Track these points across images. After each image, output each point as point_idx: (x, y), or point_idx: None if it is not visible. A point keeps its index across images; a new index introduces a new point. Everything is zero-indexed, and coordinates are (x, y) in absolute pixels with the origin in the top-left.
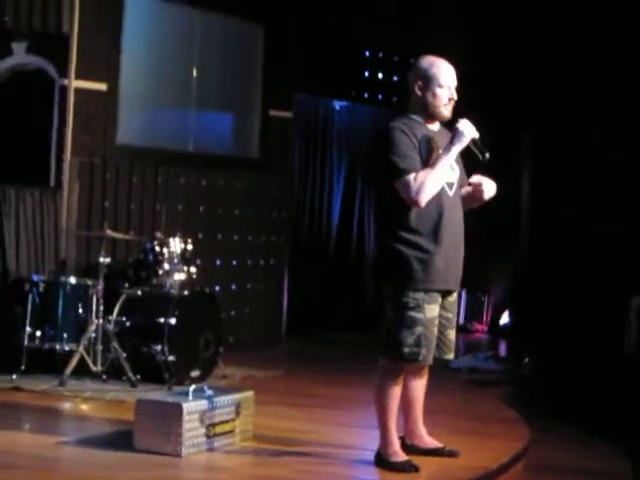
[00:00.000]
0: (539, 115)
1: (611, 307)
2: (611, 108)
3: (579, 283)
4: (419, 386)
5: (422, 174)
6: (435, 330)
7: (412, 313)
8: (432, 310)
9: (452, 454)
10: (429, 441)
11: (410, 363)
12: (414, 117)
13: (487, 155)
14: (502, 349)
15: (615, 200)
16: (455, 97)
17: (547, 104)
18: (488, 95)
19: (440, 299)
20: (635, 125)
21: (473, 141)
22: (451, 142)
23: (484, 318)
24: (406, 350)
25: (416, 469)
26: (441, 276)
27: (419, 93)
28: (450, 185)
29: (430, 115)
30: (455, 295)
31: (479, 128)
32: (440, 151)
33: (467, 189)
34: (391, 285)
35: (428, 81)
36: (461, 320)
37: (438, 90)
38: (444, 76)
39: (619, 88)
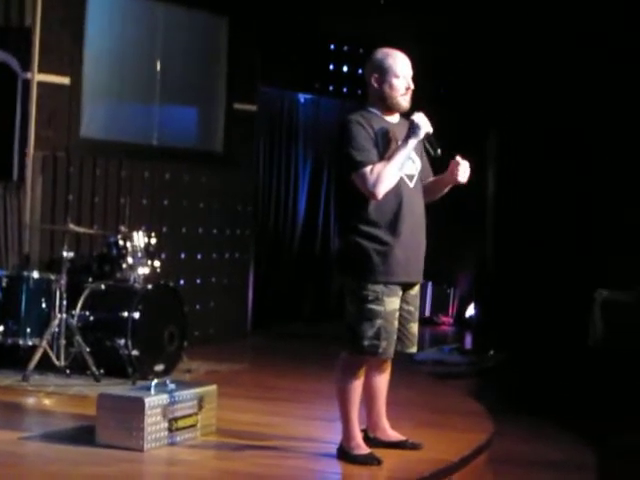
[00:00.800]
0: (506, 111)
1: (576, 300)
2: (576, 104)
3: (545, 276)
4: (382, 379)
5: (379, 166)
6: (395, 323)
7: (372, 306)
8: (392, 303)
9: (414, 447)
10: (392, 434)
11: (370, 356)
12: (372, 110)
13: (439, 151)
14: (468, 341)
15: (580, 194)
16: (412, 86)
17: (514, 100)
18: (457, 90)
19: (401, 292)
20: (599, 121)
21: (427, 136)
22: (407, 135)
23: (450, 310)
24: (366, 343)
25: (378, 462)
26: (401, 268)
27: (376, 85)
28: (410, 177)
29: (388, 107)
30: (417, 288)
31: (447, 122)
32: (399, 143)
33: (439, 176)
34: (351, 278)
35: (384, 73)
36: (427, 312)
37: (394, 81)
38: (400, 66)
39: (584, 85)
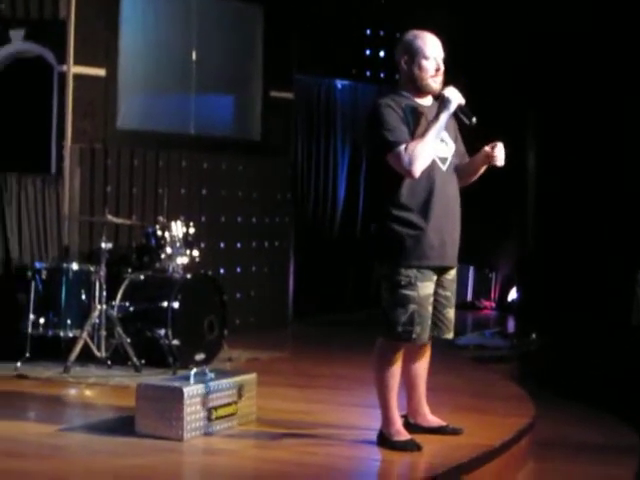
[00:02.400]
0: (545, 91)
1: (618, 280)
2: (614, 83)
3: (586, 258)
4: (421, 364)
5: (413, 144)
6: (430, 308)
7: (405, 291)
8: (426, 288)
9: (455, 432)
10: (432, 419)
11: (404, 342)
12: (404, 93)
13: (474, 120)
14: (510, 325)
15: (621, 174)
16: (442, 68)
17: (552, 80)
18: (494, 72)
19: (435, 277)
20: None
21: (460, 107)
22: (438, 110)
23: (492, 294)
24: (400, 329)
25: (418, 448)
26: (435, 252)
27: (405, 67)
28: (443, 160)
29: (419, 89)
30: (453, 273)
31: (484, 103)
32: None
33: (473, 158)
34: (384, 264)
35: (413, 54)
36: (469, 297)
37: (424, 62)
38: (429, 47)
39: (622, 62)
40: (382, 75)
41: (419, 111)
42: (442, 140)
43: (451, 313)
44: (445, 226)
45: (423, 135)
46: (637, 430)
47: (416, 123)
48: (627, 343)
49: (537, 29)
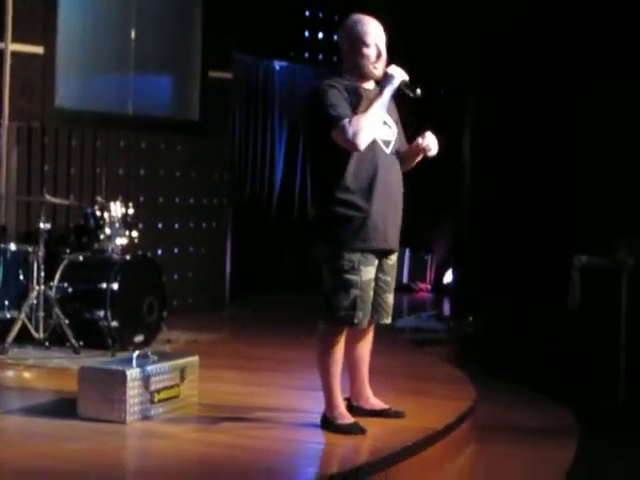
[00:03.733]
0: (482, 78)
1: (554, 264)
2: (552, 69)
3: (522, 242)
4: (363, 348)
5: (356, 117)
6: (371, 293)
7: (348, 276)
8: (368, 272)
9: (398, 415)
10: (375, 402)
11: (346, 326)
12: (346, 76)
13: (418, 91)
14: (446, 308)
15: (557, 160)
16: (384, 54)
17: (490, 67)
18: (431, 57)
19: (376, 261)
20: (578, 83)
21: (404, 83)
22: (382, 86)
23: (427, 277)
24: (342, 313)
25: (362, 431)
26: (379, 234)
27: (347, 53)
28: (386, 143)
29: (361, 75)
30: (394, 258)
31: (422, 89)
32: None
33: (409, 147)
34: (326, 247)
35: (354, 40)
36: (404, 279)
37: (364, 49)
38: (370, 34)
39: (560, 48)
40: (320, 57)
41: (360, 92)
42: (385, 123)
43: (390, 298)
44: (387, 209)
45: (366, 109)
46: (574, 412)
47: (358, 103)
48: (563, 327)
49: (474, 9)
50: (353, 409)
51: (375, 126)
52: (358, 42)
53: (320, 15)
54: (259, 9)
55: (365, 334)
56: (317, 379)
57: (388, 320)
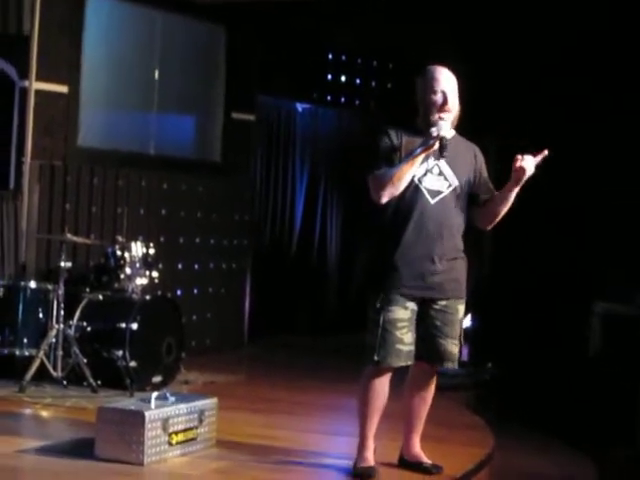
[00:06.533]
0: (502, 118)
1: (574, 312)
2: (574, 113)
3: (542, 288)
4: (419, 397)
5: (383, 170)
6: (397, 333)
7: (374, 315)
8: (392, 312)
9: (427, 471)
10: (415, 453)
11: (372, 365)
12: (414, 126)
13: (444, 156)
14: (465, 353)
15: (578, 205)
16: (449, 102)
17: (510, 109)
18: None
19: (409, 303)
20: (598, 128)
21: (441, 140)
22: (420, 143)
23: None
24: (367, 352)
25: (369, 476)
26: (405, 281)
27: (419, 103)
28: (433, 193)
29: (427, 123)
30: (443, 303)
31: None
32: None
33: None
34: (367, 290)
35: (423, 88)
36: None
37: (431, 96)
38: (438, 81)
39: (581, 95)
40: (342, 100)
41: (413, 146)
42: (441, 173)
43: (444, 344)
44: (419, 256)
45: (404, 161)
46: (593, 461)
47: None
48: (584, 374)
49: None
50: (400, 460)
51: (400, 182)
52: (426, 89)
53: (343, 58)
54: (282, 51)
55: (423, 382)
56: (331, 422)
57: (447, 365)
